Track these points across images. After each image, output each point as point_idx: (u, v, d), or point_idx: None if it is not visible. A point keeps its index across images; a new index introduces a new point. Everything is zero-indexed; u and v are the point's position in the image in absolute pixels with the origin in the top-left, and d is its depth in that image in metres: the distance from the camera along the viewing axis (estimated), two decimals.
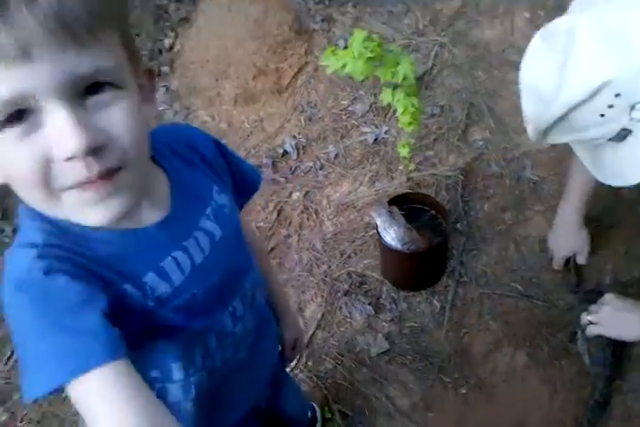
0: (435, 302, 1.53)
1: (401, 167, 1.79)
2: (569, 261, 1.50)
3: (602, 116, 0.77)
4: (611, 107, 0.76)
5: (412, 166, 1.78)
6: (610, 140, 0.81)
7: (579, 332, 1.37)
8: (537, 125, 0.83)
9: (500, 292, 1.52)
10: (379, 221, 1.45)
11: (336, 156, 1.85)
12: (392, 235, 1.44)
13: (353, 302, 1.54)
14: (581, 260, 1.48)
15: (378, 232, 1.45)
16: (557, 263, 1.51)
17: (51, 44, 0.44)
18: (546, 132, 0.83)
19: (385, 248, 1.47)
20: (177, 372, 0.67)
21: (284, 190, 1.79)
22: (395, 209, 1.47)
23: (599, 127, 0.79)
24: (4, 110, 0.45)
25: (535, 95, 0.81)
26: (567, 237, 1.47)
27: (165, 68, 2.12)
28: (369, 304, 1.54)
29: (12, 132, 0.46)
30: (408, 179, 1.77)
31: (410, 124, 1.50)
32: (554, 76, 0.77)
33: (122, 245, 0.58)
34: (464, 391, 1.37)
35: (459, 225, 1.67)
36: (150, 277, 0.59)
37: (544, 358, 1.40)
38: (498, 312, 1.49)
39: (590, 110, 0.77)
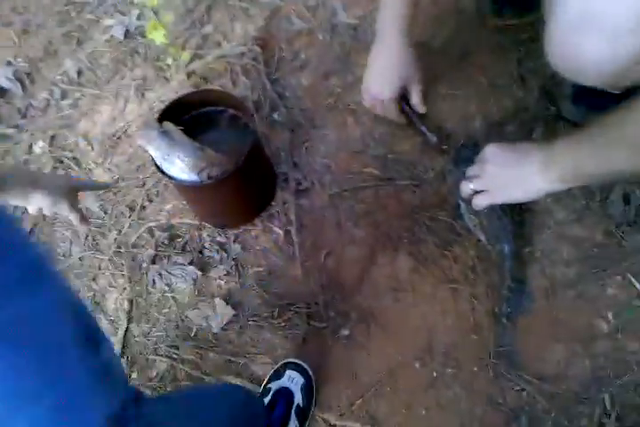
0: (275, 228, 1.10)
1: (172, 61, 1.26)
2: (410, 117, 1.09)
3: None
4: None
5: (186, 55, 1.26)
6: None
7: (461, 204, 1.00)
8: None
9: (354, 185, 1.10)
10: (152, 151, 0.95)
11: (80, 72, 1.29)
12: (178, 164, 0.95)
13: (167, 268, 1.09)
14: (416, 99, 1.06)
15: (157, 167, 0.97)
16: (388, 109, 1.07)
17: None
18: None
19: (178, 185, 0.99)
20: None
21: (19, 145, 1.23)
22: (169, 126, 0.97)
23: None
24: None
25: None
26: (391, 65, 1.01)
27: None
28: (190, 264, 1.09)
29: None
30: (189, 74, 1.26)
31: None
32: None
33: None
34: (347, 333, 0.99)
35: (276, 115, 1.21)
36: None
37: (431, 252, 1.02)
38: (358, 214, 1.08)
39: None
